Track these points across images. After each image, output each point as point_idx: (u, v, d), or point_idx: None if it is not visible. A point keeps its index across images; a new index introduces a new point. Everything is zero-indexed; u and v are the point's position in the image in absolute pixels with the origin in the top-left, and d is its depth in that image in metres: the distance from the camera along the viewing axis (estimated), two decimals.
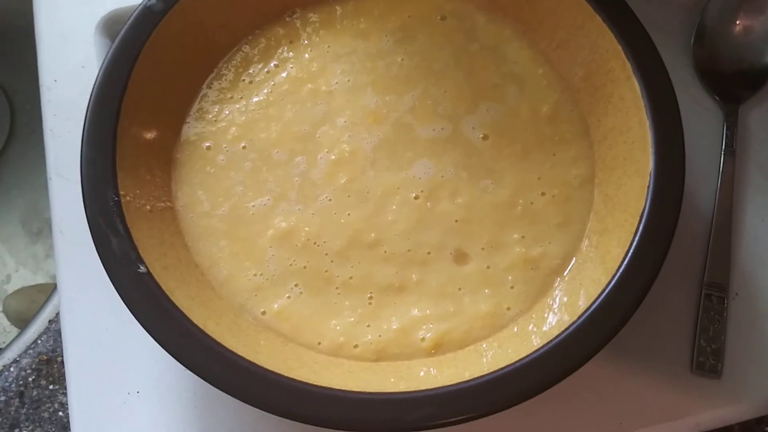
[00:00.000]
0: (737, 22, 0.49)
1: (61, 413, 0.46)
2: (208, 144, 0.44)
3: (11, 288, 0.82)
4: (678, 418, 0.42)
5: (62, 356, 0.47)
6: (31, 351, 0.48)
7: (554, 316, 0.39)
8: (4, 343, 0.74)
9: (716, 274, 0.44)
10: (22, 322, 0.77)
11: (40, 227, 0.88)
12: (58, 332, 0.49)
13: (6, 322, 0.78)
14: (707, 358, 0.42)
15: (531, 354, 0.36)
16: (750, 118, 0.48)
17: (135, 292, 0.37)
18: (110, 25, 0.52)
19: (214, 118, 0.44)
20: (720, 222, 0.45)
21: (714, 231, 0.45)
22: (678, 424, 0.42)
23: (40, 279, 0.85)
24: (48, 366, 0.47)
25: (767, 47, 0.48)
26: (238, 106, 0.45)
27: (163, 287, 0.37)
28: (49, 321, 0.49)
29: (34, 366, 0.47)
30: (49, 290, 0.79)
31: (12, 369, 0.47)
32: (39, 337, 0.48)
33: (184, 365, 0.35)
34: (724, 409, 0.42)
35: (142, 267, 0.37)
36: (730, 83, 0.48)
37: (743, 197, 0.46)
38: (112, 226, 0.38)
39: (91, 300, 0.45)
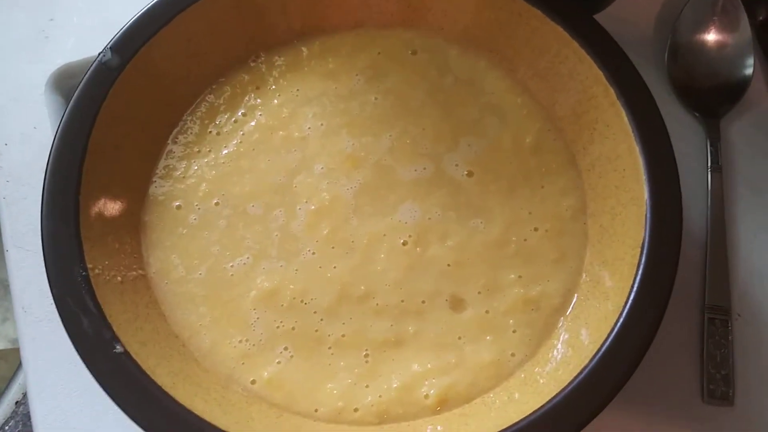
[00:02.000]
0: (709, 38, 0.48)
1: None
2: (177, 203, 0.41)
3: None
4: None
5: None
6: None
7: (562, 359, 0.37)
8: None
9: (716, 296, 0.43)
10: None
11: None
12: (27, 416, 0.45)
13: None
14: (718, 386, 0.41)
15: (546, 404, 0.34)
16: (731, 132, 0.48)
17: (113, 376, 0.34)
18: (61, 80, 0.49)
19: (182, 175, 0.41)
20: (714, 242, 0.44)
21: (709, 252, 0.44)
22: None
23: (0, 345, 0.80)
24: None
25: (741, 60, 0.48)
26: (206, 160, 0.42)
27: (143, 367, 0.34)
28: (16, 403, 0.45)
29: None
30: (9, 357, 0.75)
31: None
32: (6, 422, 0.44)
33: None
34: None
35: (118, 346, 0.34)
36: (709, 98, 0.48)
37: (734, 214, 0.45)
38: (81, 305, 0.35)
39: (62, 380, 0.41)
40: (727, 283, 0.43)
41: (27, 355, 0.42)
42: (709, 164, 0.46)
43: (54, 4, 0.52)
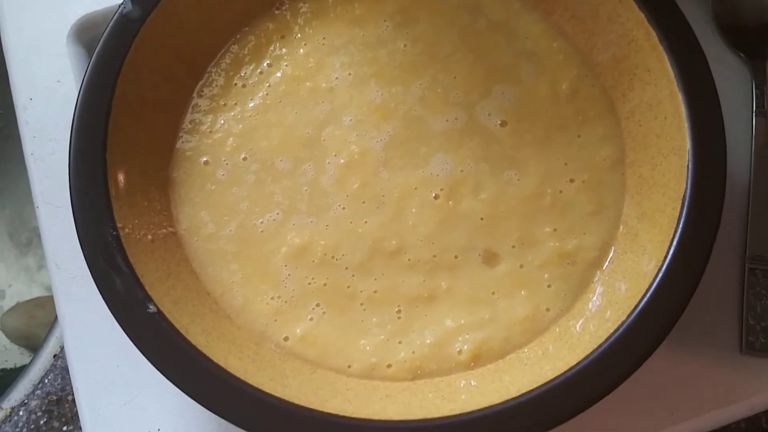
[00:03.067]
0: None
1: None
2: (205, 159, 0.40)
3: (6, 304, 0.79)
4: (731, 403, 0.40)
5: (72, 395, 0.45)
6: (39, 392, 0.45)
7: (598, 314, 0.36)
8: (6, 361, 0.72)
9: (758, 246, 0.41)
10: (22, 339, 0.74)
11: (29, 237, 0.85)
12: (65, 369, 0.46)
13: (5, 340, 0.76)
14: (757, 337, 0.40)
15: (583, 360, 0.33)
16: None
17: (147, 335, 0.34)
18: (83, 31, 0.48)
19: (208, 129, 0.41)
20: (758, 190, 0.42)
21: (752, 200, 0.42)
22: (731, 410, 0.40)
23: (36, 292, 0.82)
24: (59, 406, 0.45)
25: None
26: (233, 113, 0.41)
27: (177, 326, 0.34)
28: (54, 356, 0.46)
29: (44, 408, 0.44)
30: (46, 304, 0.76)
31: (21, 413, 0.44)
32: (45, 375, 0.45)
33: (209, 410, 0.33)
34: None
35: (151, 306, 0.34)
36: (755, 37, 0.45)
37: None
38: (113, 265, 0.35)
39: (98, 335, 0.42)
40: None
41: (63, 310, 0.42)
42: (754, 108, 0.44)
43: None
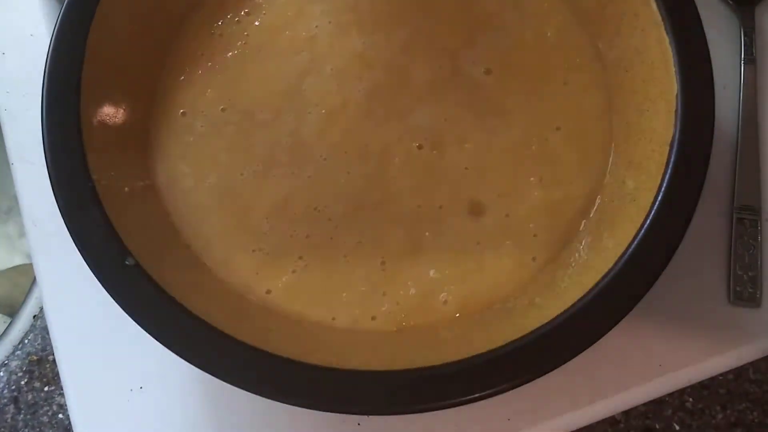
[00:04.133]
0: None
1: (61, 415, 0.43)
2: (183, 110, 0.39)
3: None
4: (719, 354, 0.39)
5: (53, 355, 0.44)
6: (19, 352, 0.44)
7: (585, 263, 0.35)
8: None
9: (746, 195, 0.41)
10: (6, 307, 0.73)
11: (9, 205, 0.84)
12: (45, 329, 0.45)
13: None
14: (745, 287, 0.40)
15: (569, 308, 0.33)
16: (766, 21, 0.45)
17: (126, 289, 0.33)
18: None
19: (186, 81, 0.40)
20: (746, 139, 0.42)
21: (740, 149, 0.42)
22: (720, 360, 0.39)
23: (18, 260, 0.81)
24: (40, 366, 0.44)
25: None
26: (210, 64, 0.40)
27: (156, 278, 0.33)
28: (34, 317, 0.45)
29: (24, 368, 0.44)
30: (29, 271, 0.75)
31: (2, 373, 0.44)
32: (25, 336, 0.44)
33: (191, 363, 0.32)
34: (765, 339, 0.40)
35: (129, 259, 0.33)
36: None
37: (767, 109, 0.43)
38: (89, 217, 0.34)
39: (77, 293, 0.41)
40: (758, 182, 0.41)
41: (41, 269, 0.42)
42: (743, 56, 0.43)
43: None
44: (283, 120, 0.39)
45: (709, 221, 0.41)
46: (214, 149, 0.39)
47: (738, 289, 0.40)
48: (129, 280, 0.33)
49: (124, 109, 0.38)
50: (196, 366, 0.32)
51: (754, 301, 0.40)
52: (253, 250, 0.37)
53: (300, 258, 0.37)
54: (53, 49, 0.36)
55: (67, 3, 0.37)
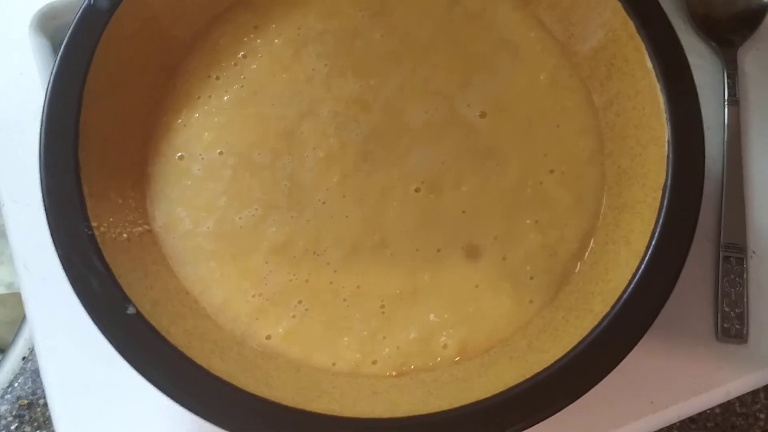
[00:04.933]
0: None
1: None
2: (180, 154, 0.39)
3: None
4: (709, 390, 0.40)
5: (44, 399, 0.43)
6: (8, 396, 0.43)
7: (582, 305, 0.36)
8: None
9: (732, 234, 0.42)
10: None
11: None
12: (36, 372, 0.45)
13: None
14: (732, 324, 0.41)
15: (569, 352, 0.33)
16: (747, 63, 0.46)
17: (127, 338, 0.33)
18: (45, 21, 0.47)
19: (183, 124, 0.40)
20: (731, 178, 0.43)
21: (725, 188, 0.43)
22: (709, 396, 0.40)
23: None
24: (30, 411, 0.43)
25: None
26: (207, 107, 0.40)
27: (157, 327, 0.33)
28: (23, 359, 0.45)
29: (14, 413, 0.43)
30: (7, 301, 0.74)
31: None
32: (15, 379, 0.44)
33: (194, 413, 0.32)
34: (753, 374, 0.41)
35: (130, 308, 0.33)
36: (726, 28, 0.46)
37: (751, 148, 0.44)
38: (89, 265, 0.34)
39: (70, 337, 0.40)
40: (743, 220, 0.42)
41: (32, 313, 0.41)
42: (726, 97, 0.45)
43: None
44: (281, 163, 0.39)
45: (696, 259, 0.42)
46: (212, 193, 0.39)
47: (725, 325, 0.41)
48: (130, 329, 0.33)
49: (121, 153, 0.38)
50: (198, 415, 0.32)
51: (741, 338, 0.41)
52: (253, 295, 0.37)
53: (299, 302, 0.37)
54: (51, 94, 0.36)
55: (65, 45, 0.37)
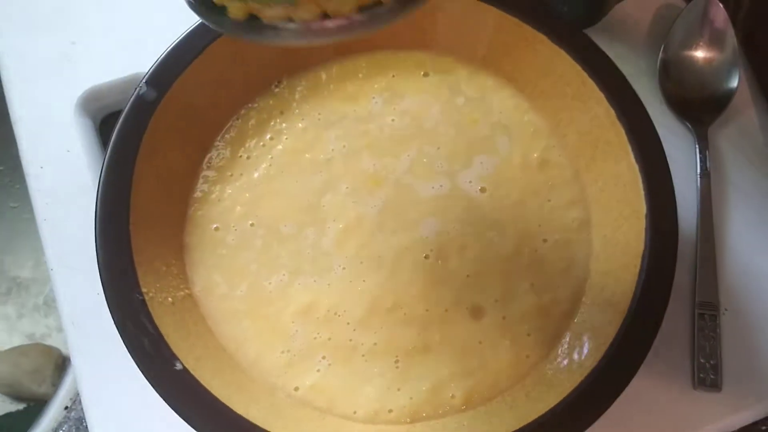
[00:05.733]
0: (698, 53, 0.52)
1: None
2: (215, 225, 0.44)
3: None
4: None
5: None
6: None
7: (572, 359, 0.41)
8: None
9: (705, 292, 0.47)
10: (5, 387, 0.75)
11: (8, 287, 0.87)
12: (79, 420, 0.49)
13: None
14: (707, 374, 0.46)
15: (561, 402, 0.38)
16: (718, 139, 0.52)
17: (175, 391, 0.37)
18: (88, 103, 0.52)
19: (217, 198, 0.45)
20: (704, 242, 0.48)
21: (699, 252, 0.48)
22: None
23: (17, 340, 0.83)
24: None
25: (727, 73, 0.52)
26: (239, 183, 0.45)
27: (201, 381, 0.38)
28: (65, 408, 0.49)
29: None
30: (30, 352, 0.78)
31: None
32: (59, 427, 0.48)
33: None
34: (727, 419, 0.45)
35: (177, 364, 0.38)
36: (698, 109, 0.52)
37: (722, 215, 0.50)
38: (141, 327, 0.38)
39: (115, 390, 0.45)
40: (715, 280, 0.48)
41: (79, 366, 0.45)
42: (699, 171, 0.50)
43: (74, 28, 0.54)
44: (305, 234, 0.44)
45: (674, 316, 0.47)
46: (245, 260, 0.43)
47: (701, 375, 0.46)
48: (178, 384, 0.38)
49: (165, 226, 0.43)
50: None
51: (715, 387, 0.45)
52: (282, 351, 0.42)
53: (323, 358, 0.42)
54: (105, 176, 0.41)
55: (116, 133, 0.42)
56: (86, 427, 0.48)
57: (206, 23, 0.29)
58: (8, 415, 0.75)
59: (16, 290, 0.86)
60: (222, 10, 0.28)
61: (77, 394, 0.49)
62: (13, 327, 0.84)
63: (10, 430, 0.72)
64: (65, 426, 0.47)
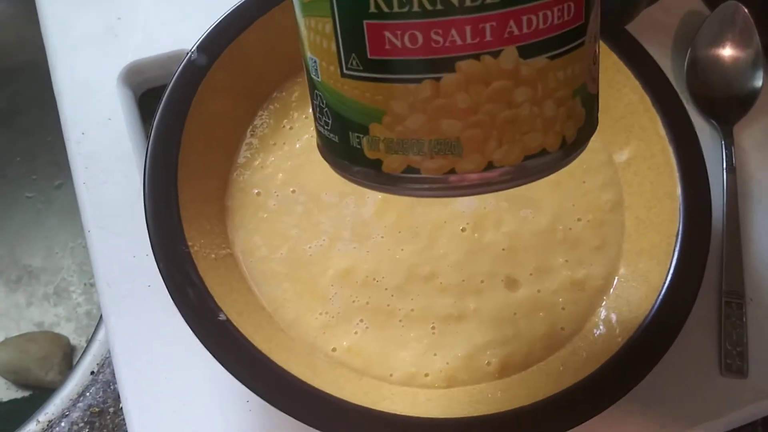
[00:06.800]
0: (725, 52, 0.54)
1: None
2: (257, 190, 0.45)
3: None
4: (714, 419, 0.45)
5: (114, 408, 0.48)
6: (80, 404, 0.47)
7: (606, 333, 0.42)
8: None
9: (732, 282, 0.48)
10: (11, 373, 0.75)
11: (19, 275, 0.87)
12: (106, 383, 0.49)
13: None
14: (734, 360, 0.46)
15: (595, 372, 0.39)
16: (742, 137, 0.53)
17: (219, 342, 0.38)
18: (131, 76, 0.53)
19: (260, 165, 0.46)
20: (730, 234, 0.49)
21: (725, 243, 0.49)
22: (713, 425, 0.45)
23: (25, 328, 0.83)
24: (100, 418, 0.47)
25: (752, 73, 0.53)
26: (281, 152, 0.46)
27: (244, 333, 0.38)
28: (92, 372, 0.49)
29: (86, 419, 0.47)
30: (38, 339, 0.78)
31: (63, 423, 0.47)
32: (86, 389, 0.48)
33: (284, 411, 0.36)
34: (752, 406, 0.46)
35: (221, 315, 0.38)
36: (723, 106, 0.53)
37: (747, 209, 0.51)
38: (187, 277, 0.39)
39: (146, 350, 0.45)
40: (741, 270, 0.49)
41: (113, 327, 0.46)
42: (725, 165, 0.51)
43: (120, 4, 0.56)
44: (345, 203, 0.45)
45: (702, 304, 0.48)
46: (285, 225, 0.44)
47: (728, 362, 0.46)
48: (221, 334, 0.38)
49: (209, 188, 0.44)
50: (290, 414, 0.36)
51: (741, 373, 0.46)
52: (320, 313, 0.42)
53: (361, 321, 0.42)
54: (155, 134, 0.42)
55: (167, 95, 0.43)
56: (113, 389, 0.48)
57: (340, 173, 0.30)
58: (13, 401, 0.75)
59: (26, 279, 0.86)
60: (355, 159, 0.27)
61: (104, 359, 0.49)
62: (21, 315, 0.84)
63: (18, 414, 0.71)
64: (92, 388, 0.47)
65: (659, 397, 0.46)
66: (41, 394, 0.74)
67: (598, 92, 0.29)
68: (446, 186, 0.26)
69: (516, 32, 0.24)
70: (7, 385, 0.76)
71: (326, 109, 0.27)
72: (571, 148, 0.27)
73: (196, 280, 0.39)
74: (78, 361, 0.50)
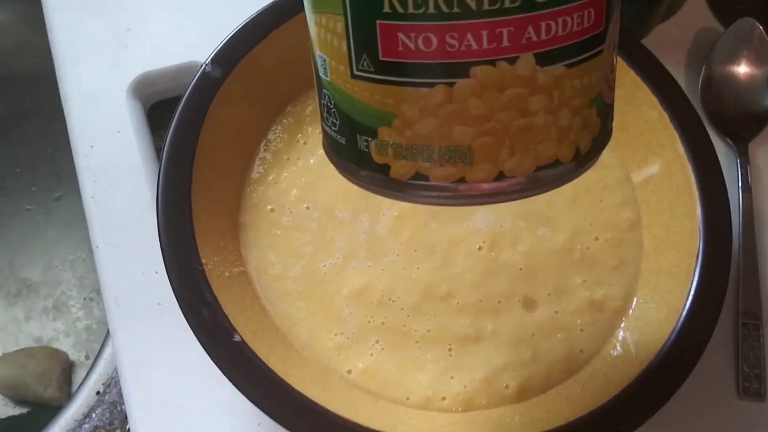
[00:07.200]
0: (740, 70, 0.54)
1: None
2: (271, 207, 0.44)
3: None
4: None
5: (120, 429, 0.47)
6: (86, 425, 0.46)
7: (625, 356, 0.41)
8: None
9: (749, 303, 0.48)
10: (9, 389, 0.74)
11: (18, 288, 0.85)
12: (113, 404, 0.48)
13: None
14: (751, 383, 0.46)
15: (616, 397, 0.38)
16: (757, 157, 0.53)
17: (233, 363, 0.37)
18: (140, 88, 0.52)
19: (274, 181, 0.45)
20: (746, 254, 0.49)
21: (742, 263, 0.49)
22: None
23: (23, 342, 0.82)
24: None
25: (766, 92, 0.53)
26: (295, 167, 0.45)
27: (259, 354, 0.37)
28: (97, 393, 0.48)
29: None
30: (37, 354, 0.77)
31: None
32: (92, 410, 0.47)
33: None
34: None
35: (236, 336, 0.37)
36: (738, 125, 0.53)
37: (763, 228, 0.50)
38: (200, 296, 0.38)
39: (154, 370, 0.44)
40: (758, 291, 0.48)
41: (120, 343, 0.45)
42: (740, 185, 0.51)
43: (130, 15, 0.55)
44: (360, 219, 0.44)
45: (719, 326, 0.47)
46: (299, 242, 0.43)
47: (746, 384, 0.46)
48: (235, 355, 0.37)
49: (222, 203, 0.43)
50: None
51: (759, 396, 0.45)
52: (335, 334, 0.41)
53: (377, 342, 0.41)
54: (169, 147, 0.41)
55: (181, 109, 0.42)
56: (120, 410, 0.47)
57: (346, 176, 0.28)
58: (12, 418, 0.73)
59: (25, 292, 0.85)
60: (363, 162, 0.26)
61: (111, 378, 0.48)
62: (20, 329, 0.83)
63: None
64: (98, 409, 0.46)
65: (674, 419, 0.45)
66: (40, 410, 0.72)
67: (613, 101, 0.28)
68: (455, 195, 0.25)
69: (534, 38, 0.23)
70: (5, 402, 0.75)
71: (334, 109, 0.26)
72: (584, 158, 0.27)
73: (210, 300, 0.38)
74: (83, 381, 0.49)
